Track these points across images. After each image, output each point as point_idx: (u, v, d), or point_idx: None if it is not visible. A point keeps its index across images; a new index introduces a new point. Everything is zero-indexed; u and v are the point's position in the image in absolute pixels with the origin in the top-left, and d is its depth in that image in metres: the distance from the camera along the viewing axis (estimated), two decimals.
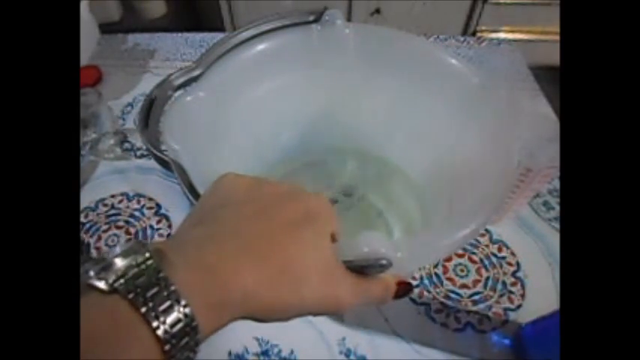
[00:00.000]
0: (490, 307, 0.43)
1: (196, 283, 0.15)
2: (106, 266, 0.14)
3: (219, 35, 0.75)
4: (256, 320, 0.17)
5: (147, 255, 0.15)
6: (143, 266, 0.15)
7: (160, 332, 0.14)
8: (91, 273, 0.14)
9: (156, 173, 0.55)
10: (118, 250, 0.15)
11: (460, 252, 0.46)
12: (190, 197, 0.27)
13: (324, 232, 0.19)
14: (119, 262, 0.15)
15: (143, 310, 0.14)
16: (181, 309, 0.14)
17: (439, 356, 0.40)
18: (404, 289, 0.22)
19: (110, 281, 0.14)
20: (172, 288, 0.14)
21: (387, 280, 0.22)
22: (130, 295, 0.14)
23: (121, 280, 0.14)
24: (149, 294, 0.14)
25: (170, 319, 0.14)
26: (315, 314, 0.19)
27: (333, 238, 0.20)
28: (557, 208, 0.50)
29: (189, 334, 0.14)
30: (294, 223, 0.18)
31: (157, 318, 0.14)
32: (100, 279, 0.14)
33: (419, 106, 0.38)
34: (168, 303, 0.14)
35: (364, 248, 0.19)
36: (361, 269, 0.20)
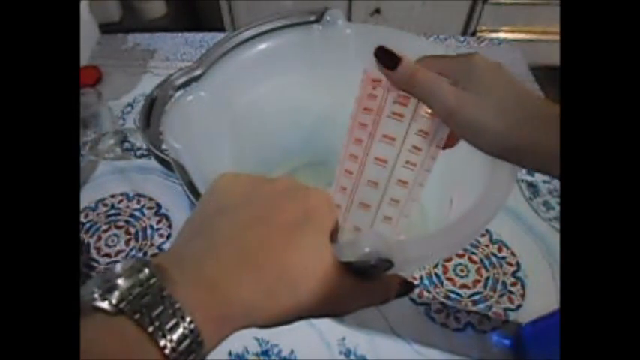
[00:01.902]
0: (490, 307, 0.43)
1: (198, 298, 0.15)
2: (109, 287, 0.15)
3: (219, 35, 0.75)
4: (258, 327, 0.17)
5: (149, 273, 0.15)
6: (146, 285, 0.15)
7: (167, 351, 0.14)
8: (95, 295, 0.14)
9: (156, 173, 0.55)
10: (119, 268, 0.15)
11: (460, 252, 0.46)
12: (191, 197, 0.27)
13: (323, 232, 0.19)
14: (122, 282, 0.15)
15: (150, 329, 0.14)
16: (186, 325, 0.14)
17: (439, 356, 0.40)
18: (405, 288, 0.22)
19: (115, 302, 0.14)
20: (177, 305, 0.15)
21: (387, 279, 0.22)
22: (136, 316, 0.14)
23: (126, 301, 0.14)
24: (154, 313, 0.14)
25: (176, 336, 0.14)
26: (317, 317, 0.19)
27: (333, 236, 0.20)
28: (557, 208, 0.50)
29: (195, 350, 0.15)
30: (292, 225, 0.18)
31: (164, 336, 0.14)
32: (104, 300, 0.14)
33: None
34: (174, 321, 0.14)
35: (365, 248, 0.19)
36: (362, 270, 0.20)
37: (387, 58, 0.24)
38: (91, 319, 0.14)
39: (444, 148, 0.28)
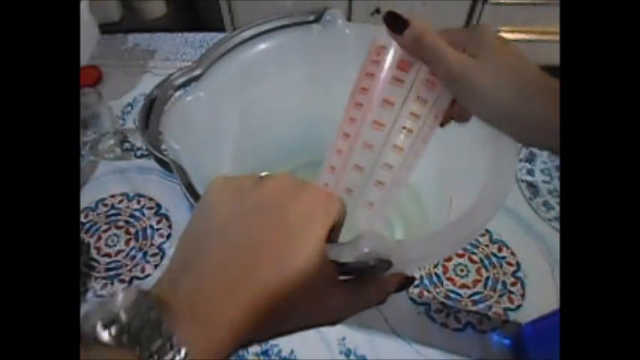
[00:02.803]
0: (490, 307, 0.43)
1: (194, 333, 0.16)
2: (111, 320, 0.15)
3: (219, 35, 0.75)
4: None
5: (149, 306, 0.16)
6: (146, 318, 0.16)
7: None
8: (97, 327, 0.15)
9: (156, 173, 0.55)
10: (120, 299, 0.16)
11: (460, 252, 0.46)
12: (190, 198, 0.27)
13: (314, 241, 0.18)
14: (123, 315, 0.15)
15: None
16: (183, 358, 0.15)
17: (439, 356, 0.40)
18: (403, 284, 0.22)
19: (115, 335, 0.15)
20: (174, 340, 0.15)
21: (383, 280, 0.22)
22: (136, 350, 0.15)
23: (127, 334, 0.15)
24: (154, 347, 0.15)
25: None
26: (315, 328, 0.20)
27: (333, 234, 0.20)
28: (557, 208, 0.50)
29: None
30: (279, 245, 0.18)
31: None
32: (105, 332, 0.15)
33: None
34: (171, 354, 0.15)
35: (364, 249, 0.19)
36: (361, 270, 0.20)
37: (395, 22, 0.24)
38: (92, 351, 0.15)
39: (460, 121, 0.27)
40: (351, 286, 0.20)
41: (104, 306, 0.16)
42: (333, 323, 0.20)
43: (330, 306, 0.19)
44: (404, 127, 0.26)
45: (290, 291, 0.18)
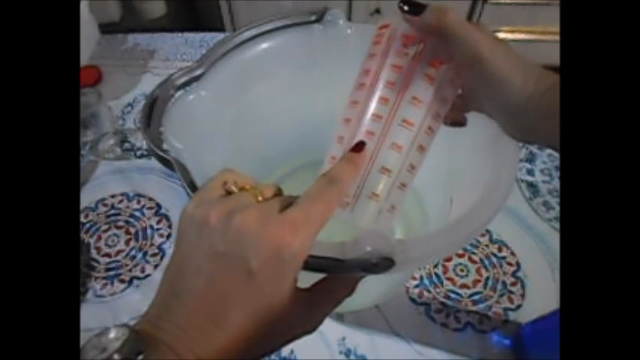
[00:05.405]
0: (490, 307, 0.43)
1: None
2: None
3: (219, 35, 0.75)
4: None
5: (138, 346, 0.17)
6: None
7: None
8: None
9: (156, 173, 0.55)
10: (112, 335, 0.17)
11: (460, 252, 0.46)
12: (192, 196, 0.26)
13: (277, 285, 0.19)
14: (116, 357, 0.17)
15: None
16: None
17: (439, 356, 0.40)
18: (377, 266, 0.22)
19: None
20: None
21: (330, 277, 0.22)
22: None
23: None
24: None
25: None
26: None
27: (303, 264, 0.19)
28: (557, 208, 0.50)
29: None
30: (244, 295, 0.18)
31: None
32: None
33: None
34: None
35: (367, 247, 0.20)
36: (363, 268, 0.20)
37: (412, 6, 0.23)
38: None
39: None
40: (315, 298, 0.21)
41: (98, 342, 0.17)
42: (310, 332, 0.21)
43: (305, 322, 0.21)
44: (429, 127, 0.25)
45: (258, 335, 0.19)
